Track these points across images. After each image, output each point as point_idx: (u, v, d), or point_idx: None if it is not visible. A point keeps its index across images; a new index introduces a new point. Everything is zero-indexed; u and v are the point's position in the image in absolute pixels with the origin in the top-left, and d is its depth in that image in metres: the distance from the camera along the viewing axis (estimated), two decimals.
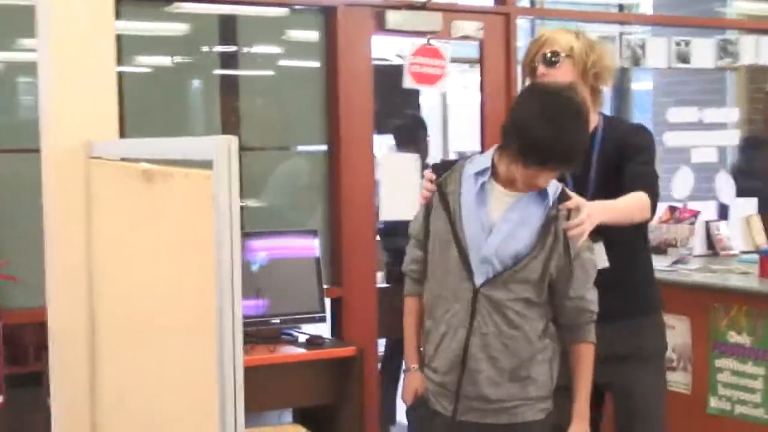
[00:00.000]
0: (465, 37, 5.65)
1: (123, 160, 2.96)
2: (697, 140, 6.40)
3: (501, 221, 3.24)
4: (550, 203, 3.24)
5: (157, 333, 2.72)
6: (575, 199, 3.26)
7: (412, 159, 5.67)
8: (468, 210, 3.27)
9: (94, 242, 3.15)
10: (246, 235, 4.75)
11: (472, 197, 3.27)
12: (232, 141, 2.23)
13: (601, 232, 3.43)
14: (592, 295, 3.33)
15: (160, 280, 2.68)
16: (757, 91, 9.33)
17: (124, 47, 4.93)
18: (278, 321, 4.92)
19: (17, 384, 4.37)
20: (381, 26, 5.33)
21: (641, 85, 10.97)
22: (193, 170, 2.39)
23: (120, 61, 4.82)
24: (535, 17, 8.07)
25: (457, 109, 8.38)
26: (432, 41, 5.46)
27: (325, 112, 5.32)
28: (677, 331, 5.27)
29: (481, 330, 3.25)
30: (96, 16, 3.20)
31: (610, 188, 3.51)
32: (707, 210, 6.41)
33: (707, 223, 6.38)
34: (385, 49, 6.95)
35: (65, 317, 3.20)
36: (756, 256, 5.62)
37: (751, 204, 6.76)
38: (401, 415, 5.68)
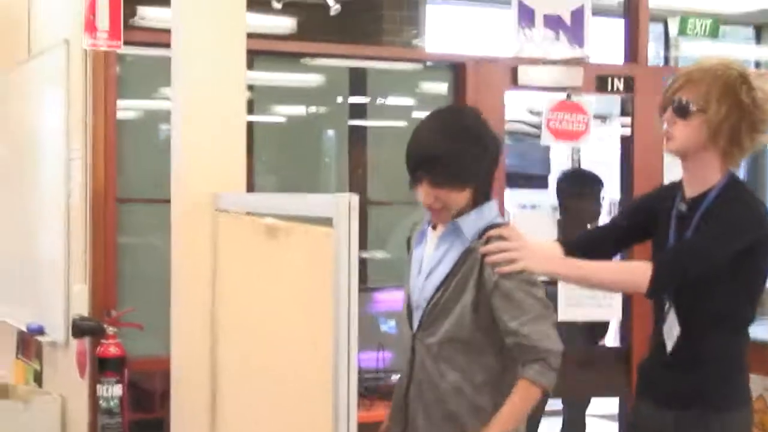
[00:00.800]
0: (615, 92, 5.51)
1: (248, 213, 2.99)
2: None
3: (426, 262, 3.11)
4: (468, 237, 3.02)
5: (275, 384, 2.73)
6: (506, 230, 2.96)
7: (546, 214, 5.58)
8: (412, 255, 3.18)
9: (218, 293, 3.18)
10: (371, 288, 4.73)
11: (415, 242, 3.18)
12: (351, 199, 2.24)
13: (678, 303, 3.10)
14: (532, 329, 2.90)
15: (279, 331, 2.69)
16: None
17: (257, 97, 5.02)
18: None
19: (141, 429, 4.42)
20: (514, 81, 5.29)
21: None
22: (312, 227, 2.40)
23: (252, 110, 4.91)
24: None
25: (590, 164, 8.27)
26: (573, 96, 5.35)
27: None
28: None
29: (417, 377, 3.03)
30: (228, 69, 3.26)
31: None
32: None
33: None
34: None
35: (188, 366, 3.24)
36: None
37: None
38: None
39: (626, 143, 5.63)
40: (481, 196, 3.08)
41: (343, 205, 2.22)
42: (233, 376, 3.08)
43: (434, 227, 3.14)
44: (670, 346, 3.14)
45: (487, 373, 3.01)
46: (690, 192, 3.14)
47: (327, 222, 2.29)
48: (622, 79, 5.37)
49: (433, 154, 3.00)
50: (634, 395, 3.34)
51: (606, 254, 3.28)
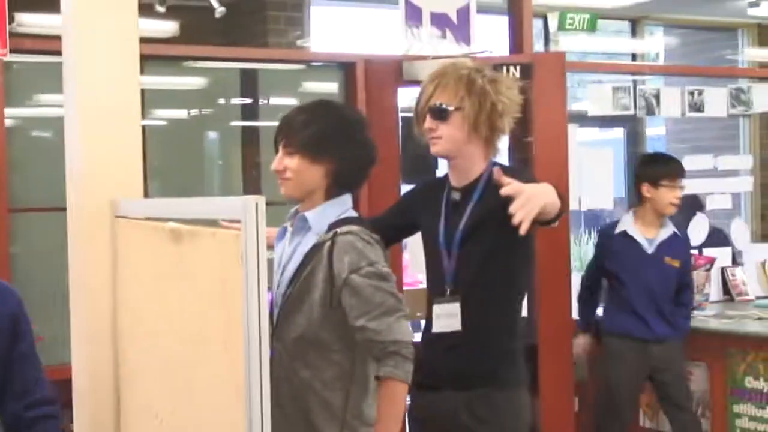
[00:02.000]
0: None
1: (148, 219, 2.95)
2: (712, 187, 6.39)
3: (283, 259, 3.14)
4: (316, 231, 3.05)
5: (183, 392, 2.70)
6: (512, 186, 2.95)
7: None
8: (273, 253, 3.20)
9: (120, 300, 3.13)
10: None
11: (276, 239, 3.21)
12: (259, 200, 2.22)
13: (458, 291, 3.28)
14: (380, 324, 2.91)
15: (188, 335, 2.66)
16: None
17: (148, 101, 4.96)
18: None
19: None
20: (400, 78, 5.31)
21: (654, 130, 10.98)
22: (220, 230, 2.38)
23: (143, 115, 4.85)
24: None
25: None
26: None
27: None
28: (695, 377, 5.25)
29: (275, 375, 2.89)
30: (122, 74, 3.20)
31: (477, 248, 3.28)
32: (723, 256, 6.38)
33: (723, 269, 6.36)
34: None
35: (90, 375, 3.18)
36: None
37: (766, 249, 6.75)
38: None
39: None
40: (336, 186, 3.07)
41: (251, 207, 2.21)
42: (138, 384, 3.04)
43: (292, 224, 3.14)
44: (437, 328, 3.32)
45: (336, 369, 3.01)
46: (458, 182, 3.34)
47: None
48: (518, 67, 5.38)
49: (290, 121, 3.08)
50: (412, 389, 3.30)
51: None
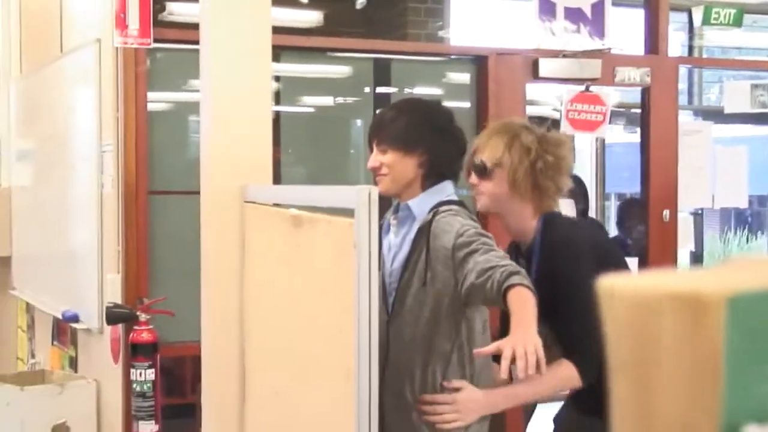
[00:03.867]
0: (630, 84, 5.60)
1: (275, 205, 3.08)
2: None
3: (391, 250, 3.21)
4: (418, 217, 3.13)
5: (302, 369, 2.81)
6: (456, 394, 3.02)
7: (567, 204, 5.63)
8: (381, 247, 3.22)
9: (247, 281, 3.27)
10: None
11: (383, 233, 3.24)
12: (372, 191, 2.32)
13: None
14: (493, 255, 2.88)
15: (305, 317, 2.78)
16: None
17: (284, 89, 5.11)
18: None
19: (173, 415, 4.52)
20: (534, 74, 5.35)
21: None
22: (335, 218, 2.49)
23: (279, 101, 5.00)
24: (693, 65, 7.98)
25: (613, 150, 8.30)
26: (591, 88, 5.41)
27: None
28: None
29: (393, 361, 3.17)
30: (255, 62, 3.34)
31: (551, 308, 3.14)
32: None
33: None
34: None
35: (218, 352, 3.32)
36: None
37: None
38: None
39: (643, 135, 5.70)
40: (432, 175, 3.18)
41: (363, 196, 2.31)
42: (261, 362, 3.17)
43: (395, 216, 3.23)
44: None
45: (445, 349, 3.08)
46: (523, 245, 3.29)
47: (349, 213, 2.38)
48: (638, 71, 5.44)
49: (381, 119, 3.22)
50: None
51: None
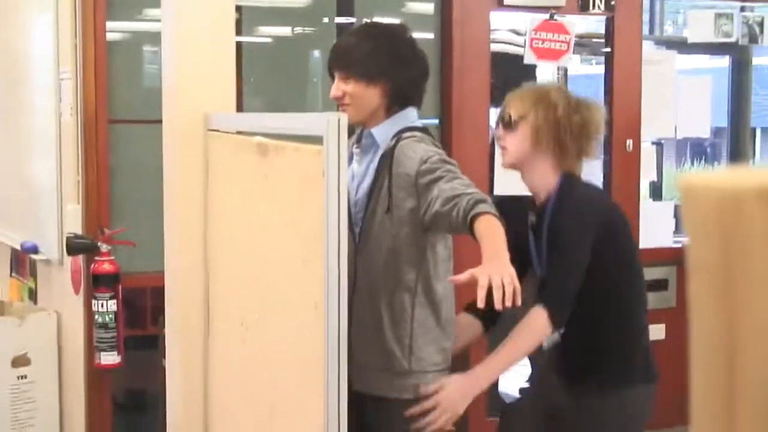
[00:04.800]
0: (595, 13, 5.49)
1: (239, 133, 3.04)
2: None
3: (355, 180, 3.20)
4: (381, 144, 3.12)
5: (267, 302, 2.79)
6: (437, 396, 3.04)
7: None
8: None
9: (211, 211, 3.23)
10: None
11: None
12: (341, 117, 2.29)
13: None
14: (460, 182, 2.88)
15: (271, 247, 2.75)
16: None
17: (245, 18, 5.03)
18: None
19: (134, 346, 4.50)
20: (500, 2, 5.30)
21: (764, 60, 10.73)
22: (303, 145, 2.45)
23: (240, 31, 4.92)
24: None
25: (577, 81, 8.26)
26: (556, 17, 5.36)
27: (438, 84, 5.34)
28: None
29: (360, 287, 3.20)
30: None
31: None
32: None
33: None
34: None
35: (182, 283, 3.30)
36: None
37: None
38: None
39: (607, 66, 5.68)
40: (396, 102, 3.16)
41: (333, 123, 2.28)
42: (227, 293, 3.15)
43: (359, 145, 3.21)
44: (546, 344, 3.24)
45: (409, 278, 3.09)
46: (538, 201, 3.30)
47: (317, 140, 2.35)
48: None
49: (342, 47, 3.20)
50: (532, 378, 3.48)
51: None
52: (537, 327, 3.09)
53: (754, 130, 10.40)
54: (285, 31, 5.41)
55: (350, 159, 3.22)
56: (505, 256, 2.61)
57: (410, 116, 3.20)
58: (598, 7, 5.41)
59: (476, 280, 2.53)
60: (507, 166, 3.34)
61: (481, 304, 2.51)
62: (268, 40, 5.45)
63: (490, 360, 3.12)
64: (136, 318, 4.57)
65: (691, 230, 0.60)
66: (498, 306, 2.50)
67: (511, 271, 2.55)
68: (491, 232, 2.68)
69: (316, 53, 5.47)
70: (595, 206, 3.28)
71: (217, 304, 3.23)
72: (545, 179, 3.26)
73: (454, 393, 3.06)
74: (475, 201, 2.74)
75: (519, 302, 2.55)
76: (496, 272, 2.52)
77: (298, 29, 5.39)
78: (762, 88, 10.86)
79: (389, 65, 3.13)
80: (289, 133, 2.69)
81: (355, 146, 3.22)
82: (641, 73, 5.52)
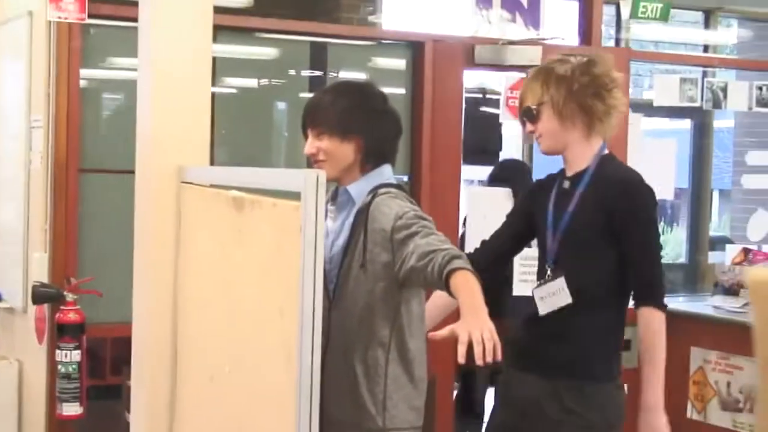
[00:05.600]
0: None
1: (212, 186, 3.04)
2: None
3: (330, 236, 3.19)
4: (357, 201, 3.13)
5: (238, 355, 2.78)
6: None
7: (504, 194, 5.63)
8: None
9: (182, 263, 3.22)
10: None
11: None
12: (320, 174, 2.30)
13: (559, 271, 3.33)
14: (435, 238, 2.90)
15: (244, 302, 2.74)
16: None
17: (217, 70, 5.05)
18: None
19: (94, 396, 4.46)
20: (472, 60, 5.35)
21: (723, 123, 10.90)
22: (280, 200, 2.46)
23: (213, 83, 4.94)
24: (637, 59, 8.00)
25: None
26: None
27: (409, 141, 5.37)
28: (745, 372, 5.24)
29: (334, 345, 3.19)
30: (195, 44, 3.29)
31: (581, 231, 3.33)
32: None
33: None
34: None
35: (150, 334, 3.28)
36: None
37: None
38: None
39: None
40: (370, 159, 3.18)
41: (311, 179, 2.28)
42: (196, 346, 3.13)
43: (334, 202, 3.23)
44: (544, 310, 3.35)
45: (383, 335, 3.09)
46: (570, 171, 3.42)
47: (294, 196, 2.35)
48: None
49: (315, 104, 3.20)
50: (505, 366, 3.47)
51: (507, 264, 3.66)
52: (659, 326, 3.30)
53: (711, 191, 10.53)
54: (254, 83, 5.44)
55: (325, 215, 3.23)
56: (484, 310, 2.62)
57: (385, 173, 3.22)
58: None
59: (456, 336, 2.53)
60: (547, 152, 3.43)
61: (461, 359, 2.50)
62: (237, 91, 5.47)
63: (649, 385, 3.28)
64: (96, 368, 4.54)
65: (760, 326, 0.61)
66: (479, 362, 2.50)
67: (490, 326, 2.56)
68: (468, 287, 2.69)
69: (290, 106, 5.50)
70: (648, 188, 3.39)
71: (185, 357, 3.21)
72: (582, 149, 3.37)
73: (654, 424, 3.27)
74: (451, 257, 2.76)
75: (499, 357, 2.55)
76: (476, 327, 2.53)
77: (270, 81, 5.42)
78: (721, 151, 11.01)
79: (364, 121, 3.15)
80: (264, 187, 2.69)
81: (329, 203, 3.23)
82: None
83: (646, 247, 3.32)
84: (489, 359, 2.52)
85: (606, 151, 3.42)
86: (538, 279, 3.43)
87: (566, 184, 3.40)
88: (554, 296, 3.33)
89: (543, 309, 3.36)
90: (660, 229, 3.53)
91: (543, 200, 3.45)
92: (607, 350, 3.37)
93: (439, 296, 3.38)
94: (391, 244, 2.99)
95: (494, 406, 3.66)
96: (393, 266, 2.99)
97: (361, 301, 3.08)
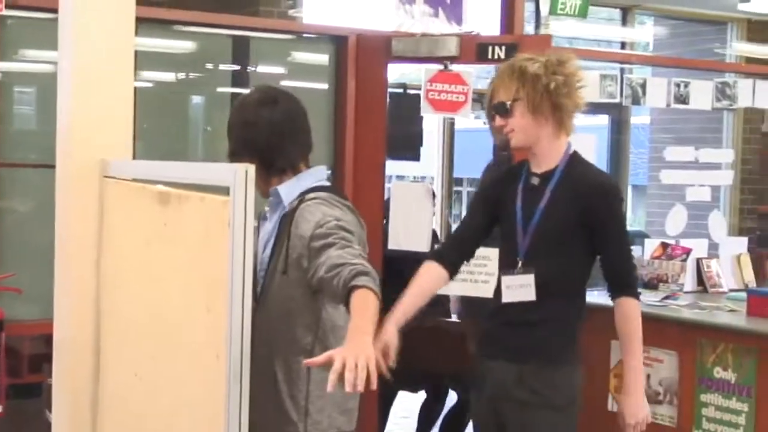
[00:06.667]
0: (496, 60, 5.24)
1: (135, 180, 2.99)
2: (693, 179, 6.44)
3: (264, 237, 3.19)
4: (286, 203, 3.13)
5: (163, 352, 2.74)
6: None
7: (425, 188, 5.64)
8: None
9: (105, 259, 3.17)
10: None
11: (260, 222, 3.26)
12: (249, 168, 2.27)
13: (530, 266, 3.49)
14: (347, 252, 2.85)
15: (170, 299, 2.70)
16: (752, 131, 9.45)
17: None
18: None
19: (13, 395, 4.38)
20: (392, 53, 5.32)
21: (639, 119, 11.03)
22: (209, 195, 2.43)
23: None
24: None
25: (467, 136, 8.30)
26: (453, 66, 5.30)
27: (333, 135, 5.36)
28: (665, 365, 5.30)
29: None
30: (118, 36, 3.23)
31: (554, 227, 3.49)
32: (699, 248, 6.44)
33: (698, 260, 6.42)
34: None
35: (72, 331, 3.22)
36: (744, 294, 5.67)
37: (741, 243, 6.82)
38: None
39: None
40: (273, 170, 3.14)
41: (240, 174, 2.26)
42: (120, 343, 3.08)
43: (269, 202, 3.22)
44: (507, 298, 3.51)
45: (304, 343, 3.07)
46: (538, 168, 3.57)
47: (222, 191, 2.33)
48: (503, 48, 5.30)
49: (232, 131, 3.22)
50: (478, 355, 3.68)
51: (472, 253, 3.68)
52: (636, 314, 3.52)
53: (627, 187, 10.69)
54: (174, 77, 5.38)
55: (264, 216, 3.21)
56: (368, 335, 2.55)
57: (317, 174, 3.20)
58: (498, 55, 5.32)
59: (332, 362, 2.45)
60: (518, 146, 3.57)
61: (330, 388, 2.42)
62: (157, 85, 5.41)
63: (630, 371, 3.51)
64: (15, 366, 4.45)
65: None
66: (348, 389, 2.39)
67: (369, 353, 2.46)
68: (363, 307, 2.64)
69: (206, 100, 5.45)
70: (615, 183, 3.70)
71: (109, 354, 3.16)
72: (551, 145, 3.52)
73: (635, 408, 3.52)
74: (357, 272, 2.72)
75: (373, 387, 2.45)
76: (353, 354, 2.44)
77: (188, 75, 5.37)
78: (635, 147, 11.14)
79: (241, 140, 3.15)
80: (191, 182, 2.65)
81: (267, 203, 3.21)
82: None
83: (621, 242, 3.56)
84: (360, 388, 2.41)
85: (572, 150, 3.58)
86: (506, 268, 3.56)
87: (535, 180, 3.56)
88: (521, 289, 3.50)
89: (507, 297, 3.53)
90: None
91: (509, 197, 3.59)
92: (567, 336, 3.55)
93: (431, 267, 3.54)
94: (308, 251, 2.97)
95: (472, 397, 3.80)
96: (308, 274, 2.97)
97: (284, 306, 3.06)
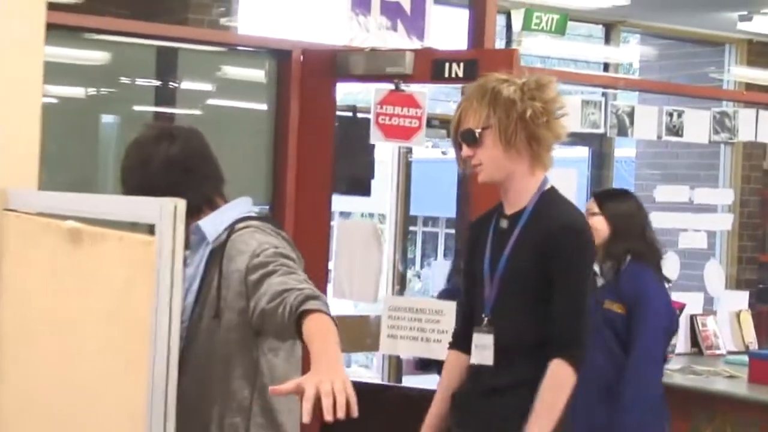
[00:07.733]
0: (454, 79, 5.29)
1: (41, 214, 2.94)
2: (686, 223, 6.46)
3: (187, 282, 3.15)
4: (210, 239, 3.11)
5: (72, 413, 2.70)
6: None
7: (372, 228, 5.63)
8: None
9: (4, 304, 3.12)
10: None
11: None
12: (178, 203, 2.25)
13: (493, 324, 3.47)
14: (292, 277, 2.88)
15: (80, 353, 2.66)
16: (753, 168, 9.44)
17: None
18: None
19: None
20: (338, 71, 5.31)
21: (624, 152, 11.07)
22: (129, 234, 2.40)
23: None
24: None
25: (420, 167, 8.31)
26: (404, 86, 5.25)
27: (271, 164, 5.33)
28: None
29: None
30: (24, 43, 3.20)
31: (515, 279, 3.46)
32: (693, 302, 6.45)
33: (692, 317, 6.43)
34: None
35: None
36: (745, 358, 5.68)
37: (742, 297, 6.84)
38: None
39: None
40: (191, 207, 3.09)
41: (167, 210, 2.23)
42: (21, 403, 3.03)
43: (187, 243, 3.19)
44: (473, 359, 3.51)
45: (241, 393, 3.05)
46: (509, 209, 3.52)
47: (144, 229, 2.30)
48: (461, 65, 5.24)
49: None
50: (450, 426, 3.65)
51: None
52: (563, 382, 3.36)
53: None
54: (85, 92, 5.35)
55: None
56: (338, 359, 2.57)
57: (242, 205, 3.19)
58: (455, 73, 5.25)
59: (303, 390, 2.46)
60: (486, 181, 3.49)
61: (306, 418, 2.43)
62: (64, 101, 5.37)
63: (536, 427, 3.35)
64: None
65: None
66: (327, 417, 2.41)
67: (343, 377, 2.49)
68: (323, 332, 2.65)
69: (123, 119, 5.42)
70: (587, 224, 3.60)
71: (9, 419, 3.11)
72: (525, 182, 3.46)
73: None
74: (305, 297, 2.72)
75: (354, 413, 2.46)
76: (326, 379, 2.45)
77: (99, 90, 5.34)
78: (619, 184, 11.20)
79: (138, 184, 3.14)
80: (108, 218, 2.62)
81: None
82: None
83: (573, 291, 3.42)
84: (340, 414, 2.43)
85: (548, 186, 3.51)
86: (475, 323, 3.53)
87: (504, 223, 3.51)
88: (483, 350, 3.47)
89: (474, 359, 3.51)
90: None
91: (483, 237, 3.56)
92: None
93: (452, 355, 3.63)
94: (245, 286, 2.95)
95: None
96: (248, 312, 2.94)
97: (215, 357, 3.03)
